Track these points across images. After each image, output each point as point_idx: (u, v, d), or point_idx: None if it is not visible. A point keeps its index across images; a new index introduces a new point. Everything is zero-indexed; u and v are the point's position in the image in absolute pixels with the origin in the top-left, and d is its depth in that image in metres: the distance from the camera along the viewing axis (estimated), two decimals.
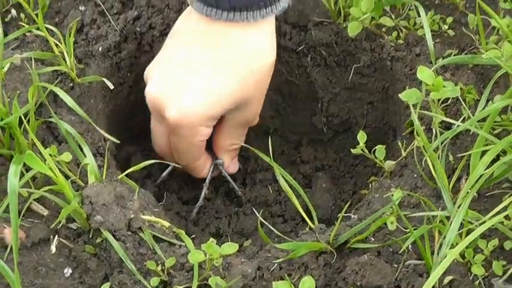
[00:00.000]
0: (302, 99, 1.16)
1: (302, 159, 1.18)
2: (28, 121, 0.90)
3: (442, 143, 0.88)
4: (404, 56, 1.04)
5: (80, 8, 1.08)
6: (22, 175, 0.83)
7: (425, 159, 0.90)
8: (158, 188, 1.08)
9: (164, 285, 0.83)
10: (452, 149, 0.91)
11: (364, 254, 0.83)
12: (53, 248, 0.85)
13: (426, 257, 0.79)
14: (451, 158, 0.91)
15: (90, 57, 1.04)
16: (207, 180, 1.05)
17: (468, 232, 0.76)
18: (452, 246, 0.75)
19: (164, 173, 1.06)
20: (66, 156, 0.89)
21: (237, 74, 0.93)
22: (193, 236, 0.93)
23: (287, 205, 1.10)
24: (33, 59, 0.97)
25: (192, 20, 0.93)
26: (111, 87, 1.00)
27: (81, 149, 0.91)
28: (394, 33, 1.06)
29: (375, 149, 0.94)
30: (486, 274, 0.79)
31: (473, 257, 0.80)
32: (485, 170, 0.80)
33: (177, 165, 1.02)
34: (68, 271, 0.84)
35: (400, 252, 0.82)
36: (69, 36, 0.99)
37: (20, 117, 0.89)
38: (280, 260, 0.83)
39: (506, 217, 0.80)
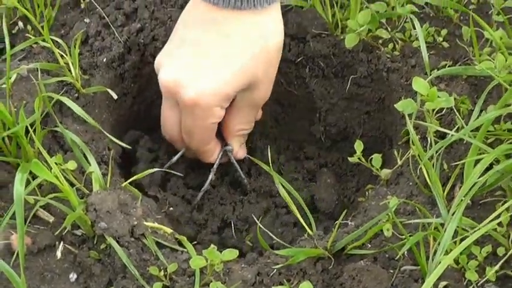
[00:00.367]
0: (301, 109, 1.16)
1: (306, 155, 1.17)
2: (34, 130, 0.91)
3: (436, 152, 0.88)
4: (400, 67, 1.04)
5: (85, 20, 1.09)
6: (29, 183, 0.83)
7: (421, 168, 0.90)
8: (165, 172, 1.06)
9: None
10: (446, 158, 0.91)
11: (361, 260, 0.83)
12: (59, 254, 0.85)
13: (421, 263, 0.79)
14: (445, 166, 0.91)
15: (95, 68, 1.05)
16: (215, 166, 1.04)
17: (462, 239, 0.76)
18: (447, 253, 0.75)
19: (174, 158, 1.04)
20: (71, 165, 0.90)
21: (248, 52, 0.94)
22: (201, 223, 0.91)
23: (291, 196, 1.09)
24: (39, 69, 0.97)
25: (199, 10, 0.94)
26: (115, 97, 1.01)
27: (86, 158, 0.91)
28: (390, 45, 1.06)
29: (372, 158, 0.95)
30: (480, 280, 0.79)
31: (467, 263, 0.80)
32: (478, 178, 0.79)
33: (185, 152, 1.02)
34: (73, 276, 0.84)
35: (396, 258, 0.82)
36: (75, 47, 1.00)
37: (27, 127, 0.89)
38: (279, 265, 0.84)
39: (500, 224, 0.80)
